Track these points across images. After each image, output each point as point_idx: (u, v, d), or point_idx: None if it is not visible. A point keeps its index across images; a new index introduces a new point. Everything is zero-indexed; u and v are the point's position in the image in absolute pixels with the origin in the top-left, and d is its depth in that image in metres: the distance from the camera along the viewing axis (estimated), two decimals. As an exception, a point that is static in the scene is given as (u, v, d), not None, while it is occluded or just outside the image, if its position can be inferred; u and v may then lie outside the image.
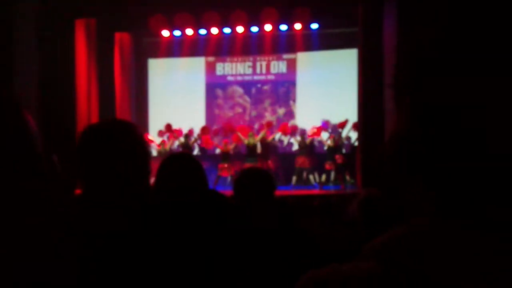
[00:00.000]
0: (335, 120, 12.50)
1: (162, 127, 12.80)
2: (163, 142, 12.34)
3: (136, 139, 1.39)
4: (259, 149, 11.86)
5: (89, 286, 1.04)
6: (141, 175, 1.38)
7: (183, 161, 1.97)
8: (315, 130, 11.87)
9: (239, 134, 11.93)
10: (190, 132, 12.53)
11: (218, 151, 12.40)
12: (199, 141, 12.42)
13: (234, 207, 1.99)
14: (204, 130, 12.48)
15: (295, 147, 12.68)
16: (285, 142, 13.62)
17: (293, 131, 12.52)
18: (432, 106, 0.53)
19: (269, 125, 12.23)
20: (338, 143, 11.67)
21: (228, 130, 12.26)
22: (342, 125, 11.83)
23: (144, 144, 1.43)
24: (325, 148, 11.85)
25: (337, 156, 11.45)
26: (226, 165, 11.64)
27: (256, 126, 13.06)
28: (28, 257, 0.88)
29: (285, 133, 12.38)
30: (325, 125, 12.15)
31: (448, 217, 0.54)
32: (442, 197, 0.54)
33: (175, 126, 12.64)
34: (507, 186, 0.50)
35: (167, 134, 12.58)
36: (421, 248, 0.52)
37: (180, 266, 1.41)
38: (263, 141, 11.83)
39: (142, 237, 1.29)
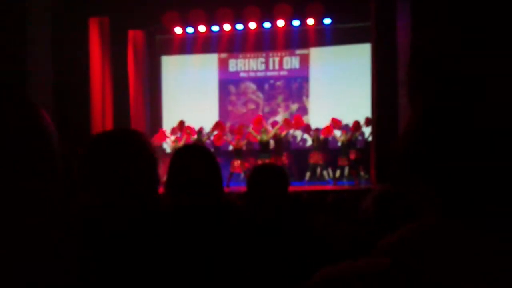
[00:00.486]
0: (347, 117, 12.43)
1: (175, 124, 12.82)
2: (177, 139, 12.37)
3: (141, 146, 1.41)
4: (272, 145, 11.84)
5: (89, 286, 1.04)
6: (144, 177, 1.39)
7: (195, 152, 1.90)
8: (329, 128, 11.78)
9: (251, 130, 11.90)
10: (201, 130, 12.52)
11: (230, 147, 12.41)
12: (212, 137, 12.39)
13: (243, 208, 1.95)
14: (217, 126, 12.45)
15: (309, 143, 12.65)
16: (299, 137, 13.61)
17: (307, 127, 12.42)
18: (433, 105, 0.53)
19: (287, 124, 12.10)
20: (352, 138, 11.62)
21: (241, 128, 12.15)
22: (355, 128, 11.69)
23: (150, 150, 1.44)
24: (339, 144, 11.80)
25: (351, 152, 11.40)
26: (239, 162, 11.63)
27: (270, 122, 13.02)
28: (28, 257, 0.89)
29: (298, 126, 12.26)
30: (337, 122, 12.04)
31: (450, 217, 0.54)
32: (445, 197, 0.54)
33: (188, 123, 12.66)
34: (506, 186, 0.50)
35: (179, 132, 12.57)
36: (423, 248, 0.52)
37: (183, 267, 1.42)
38: (276, 137, 11.80)
39: (143, 238, 1.30)
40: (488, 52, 0.50)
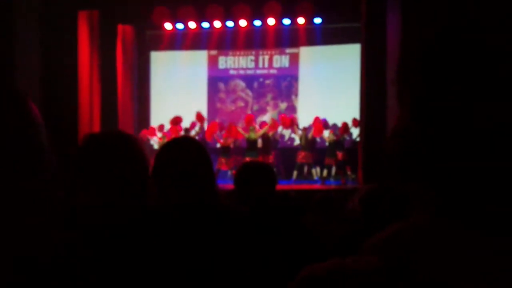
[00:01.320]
0: (336, 116, 12.47)
1: (163, 120, 12.72)
2: (164, 135, 12.30)
3: (134, 148, 1.44)
4: (260, 143, 11.83)
5: (89, 285, 1.03)
6: (140, 178, 1.40)
7: (183, 144, 1.78)
8: (320, 127, 11.75)
9: (239, 129, 11.89)
10: (193, 125, 12.45)
11: (218, 145, 12.37)
12: (201, 134, 12.31)
13: (233, 206, 1.88)
14: (199, 118, 12.36)
15: (297, 141, 12.66)
16: (286, 136, 13.62)
17: (293, 122, 12.29)
18: (432, 105, 0.53)
19: (274, 125, 12.07)
20: (339, 138, 11.65)
21: (232, 128, 12.06)
22: (343, 130, 11.68)
23: (143, 152, 1.46)
24: (327, 143, 11.82)
25: (338, 152, 11.43)
26: (226, 159, 11.61)
27: (259, 123, 13.00)
28: (27, 258, 0.87)
29: (285, 126, 12.26)
30: (324, 122, 12.04)
31: (447, 216, 0.54)
32: (442, 196, 0.54)
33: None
34: (506, 186, 0.50)
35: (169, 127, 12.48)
36: (419, 246, 0.52)
37: (180, 265, 1.41)
38: (264, 135, 11.79)
39: (142, 236, 1.30)
40: (486, 49, 0.50)
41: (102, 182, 1.34)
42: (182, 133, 12.13)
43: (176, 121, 12.32)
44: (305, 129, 12.05)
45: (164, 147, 1.80)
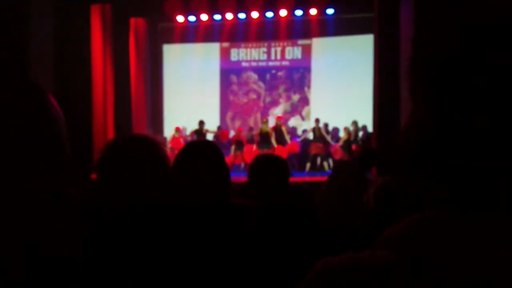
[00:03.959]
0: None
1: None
2: (177, 130, 12.29)
3: (156, 151, 1.48)
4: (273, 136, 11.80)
5: (101, 283, 1.03)
6: (160, 179, 1.43)
7: (197, 151, 1.79)
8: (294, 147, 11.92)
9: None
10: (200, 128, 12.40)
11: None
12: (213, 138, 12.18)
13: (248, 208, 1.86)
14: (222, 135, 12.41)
15: (310, 134, 12.64)
16: (299, 129, 13.59)
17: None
18: (444, 100, 0.53)
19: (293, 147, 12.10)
20: (353, 136, 11.66)
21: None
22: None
23: (161, 157, 1.50)
24: (341, 142, 11.74)
25: (352, 145, 11.41)
26: (239, 152, 11.64)
27: (275, 116, 12.98)
28: (28, 258, 0.87)
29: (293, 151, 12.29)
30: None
31: (461, 211, 0.53)
32: (455, 192, 0.54)
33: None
34: None
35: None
36: (433, 240, 0.52)
37: (193, 260, 1.43)
38: (276, 128, 11.78)
39: (148, 238, 1.31)
40: (505, 43, 0.49)
41: (122, 183, 1.36)
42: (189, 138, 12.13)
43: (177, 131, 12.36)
44: (317, 120, 12.02)
45: (184, 150, 1.83)
